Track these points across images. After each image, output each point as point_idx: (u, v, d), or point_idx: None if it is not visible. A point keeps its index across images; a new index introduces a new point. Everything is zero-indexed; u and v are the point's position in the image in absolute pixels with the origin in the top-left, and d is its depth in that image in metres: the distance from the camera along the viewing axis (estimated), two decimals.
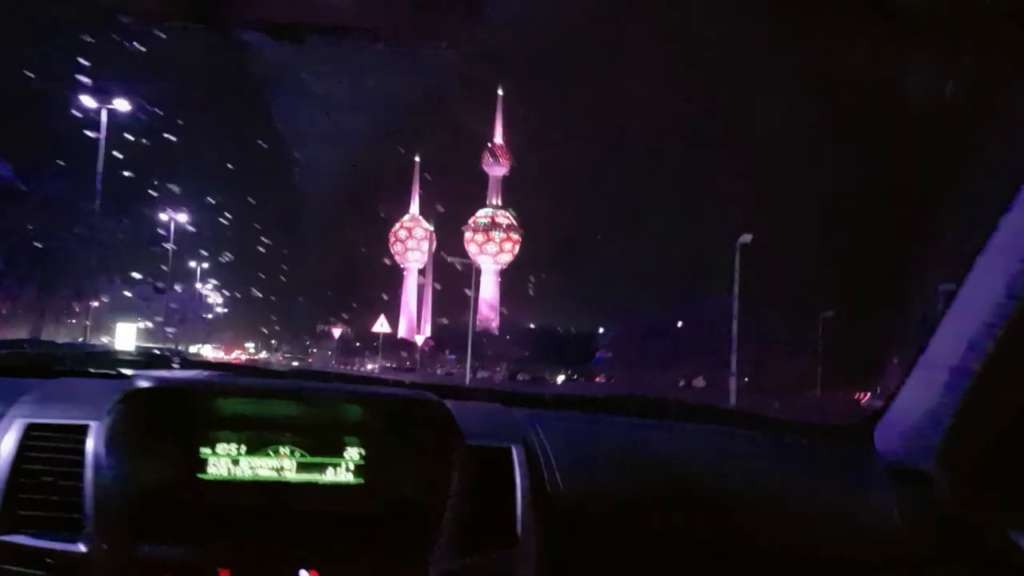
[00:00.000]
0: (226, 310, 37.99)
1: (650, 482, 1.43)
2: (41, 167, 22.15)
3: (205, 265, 36.25)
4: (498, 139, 39.55)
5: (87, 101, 20.55)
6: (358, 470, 1.33)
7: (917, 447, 1.59)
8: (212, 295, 37.25)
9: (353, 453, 1.33)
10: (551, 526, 1.27)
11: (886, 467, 1.59)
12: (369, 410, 1.37)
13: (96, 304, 24.75)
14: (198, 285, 36.23)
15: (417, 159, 40.24)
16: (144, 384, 1.27)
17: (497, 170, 39.46)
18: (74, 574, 1.07)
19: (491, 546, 1.23)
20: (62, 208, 21.85)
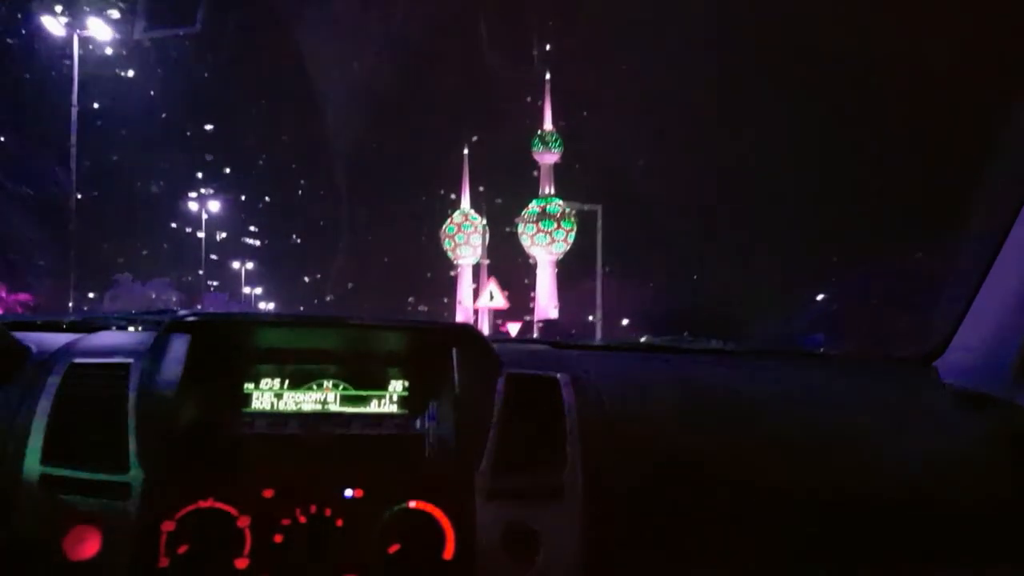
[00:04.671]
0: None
1: (704, 408, 1.40)
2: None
3: (249, 267, 36.84)
4: (547, 126, 39.09)
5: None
6: (402, 401, 1.34)
7: (985, 372, 1.54)
8: (264, 301, 37.80)
9: (397, 385, 1.34)
10: (600, 448, 1.26)
11: (955, 395, 1.53)
12: (411, 340, 1.38)
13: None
14: (246, 289, 36.87)
15: (466, 152, 40.14)
16: (187, 318, 1.30)
17: (548, 158, 39.00)
18: (117, 500, 1.10)
19: (538, 467, 1.22)
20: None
